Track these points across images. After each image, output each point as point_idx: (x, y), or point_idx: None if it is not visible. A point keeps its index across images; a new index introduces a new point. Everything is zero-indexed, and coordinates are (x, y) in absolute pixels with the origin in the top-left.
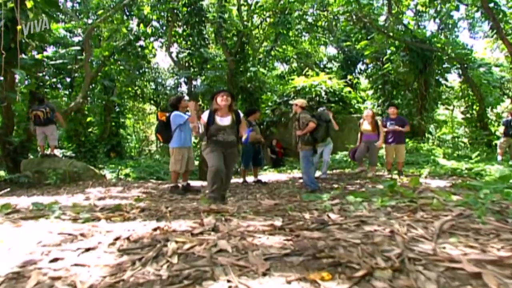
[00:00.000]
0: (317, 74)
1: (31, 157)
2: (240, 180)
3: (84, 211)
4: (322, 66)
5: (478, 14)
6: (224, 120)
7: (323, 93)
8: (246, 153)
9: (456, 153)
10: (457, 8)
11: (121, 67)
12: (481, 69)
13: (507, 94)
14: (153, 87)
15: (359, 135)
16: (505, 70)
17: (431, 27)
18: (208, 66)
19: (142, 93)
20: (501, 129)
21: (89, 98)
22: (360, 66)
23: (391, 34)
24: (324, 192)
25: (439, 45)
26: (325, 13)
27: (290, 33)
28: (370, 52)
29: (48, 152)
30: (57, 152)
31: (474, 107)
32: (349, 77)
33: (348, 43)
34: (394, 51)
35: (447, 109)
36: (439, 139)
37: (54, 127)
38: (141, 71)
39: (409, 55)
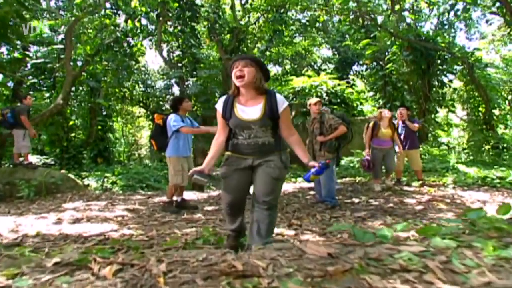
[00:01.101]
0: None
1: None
2: None
3: (29, 269)
4: (316, 67)
5: (475, 15)
6: (250, 111)
7: (324, 94)
8: None
9: (469, 158)
10: (475, 1)
11: (108, 67)
12: (488, 69)
13: (503, 96)
14: (143, 89)
15: (367, 140)
16: (500, 72)
17: (427, 27)
18: (201, 65)
19: (130, 95)
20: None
21: (74, 101)
22: (356, 67)
23: (394, 32)
24: (344, 208)
25: (443, 44)
26: (323, 12)
27: (286, 33)
28: (372, 51)
29: (21, 160)
30: (33, 159)
31: (480, 108)
32: (351, 77)
33: (347, 42)
34: (396, 51)
35: (451, 111)
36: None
37: (20, 132)
38: (129, 71)
39: (413, 54)
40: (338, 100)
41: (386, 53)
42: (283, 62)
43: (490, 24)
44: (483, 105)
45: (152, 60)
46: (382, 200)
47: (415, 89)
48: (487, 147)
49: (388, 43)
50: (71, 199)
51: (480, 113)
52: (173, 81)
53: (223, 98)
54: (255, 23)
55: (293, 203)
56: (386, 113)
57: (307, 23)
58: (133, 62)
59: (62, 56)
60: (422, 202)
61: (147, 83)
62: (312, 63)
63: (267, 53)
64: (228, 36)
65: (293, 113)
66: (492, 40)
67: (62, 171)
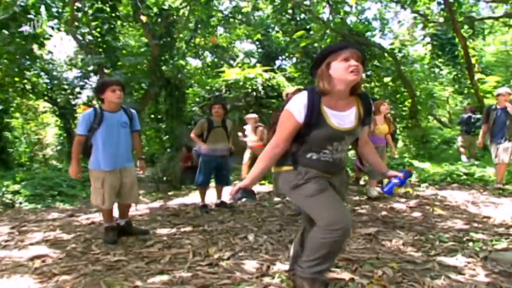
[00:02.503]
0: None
1: None
2: (188, 200)
3: None
4: (240, 61)
5: (389, 15)
6: (344, 117)
7: (260, 87)
8: (204, 165)
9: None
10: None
11: (3, 51)
12: (415, 66)
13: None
14: (47, 80)
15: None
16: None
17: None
18: (124, 52)
19: (33, 87)
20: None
21: None
22: (279, 61)
23: (330, 25)
24: None
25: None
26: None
27: (211, 22)
28: (306, 44)
29: None
30: None
31: (406, 103)
32: (289, 70)
33: (276, 34)
34: (329, 44)
35: None
36: None
37: None
38: (31, 57)
39: None
40: (275, 94)
41: (317, 47)
42: (203, 54)
43: (402, 25)
44: (409, 100)
45: (59, 50)
46: (368, 206)
47: None
48: (414, 141)
49: (317, 37)
50: None
51: (406, 108)
52: (90, 68)
53: (303, 97)
54: (186, 7)
55: (269, 217)
56: (383, 106)
57: (230, 15)
58: (36, 47)
59: None
60: (413, 207)
61: (53, 74)
62: (235, 57)
63: (192, 43)
64: (152, 20)
65: (228, 107)
66: (401, 40)
67: None
